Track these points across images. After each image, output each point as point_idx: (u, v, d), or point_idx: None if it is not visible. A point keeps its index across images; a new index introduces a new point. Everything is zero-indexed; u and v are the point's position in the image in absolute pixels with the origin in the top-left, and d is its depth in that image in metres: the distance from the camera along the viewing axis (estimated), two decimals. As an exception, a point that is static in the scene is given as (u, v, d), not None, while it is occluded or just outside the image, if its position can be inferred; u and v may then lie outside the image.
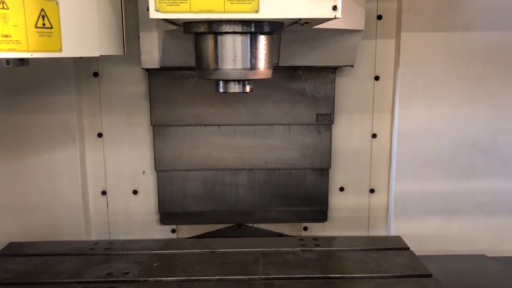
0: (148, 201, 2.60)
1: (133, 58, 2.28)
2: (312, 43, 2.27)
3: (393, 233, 2.53)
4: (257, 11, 1.50)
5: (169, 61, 2.26)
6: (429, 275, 1.95)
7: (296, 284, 1.87)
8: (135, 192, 2.60)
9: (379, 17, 2.44)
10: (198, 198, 2.57)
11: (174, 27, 1.97)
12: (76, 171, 2.46)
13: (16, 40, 1.39)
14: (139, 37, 2.19)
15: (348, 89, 2.51)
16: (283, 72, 2.42)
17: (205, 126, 2.49)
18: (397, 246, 2.24)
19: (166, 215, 2.60)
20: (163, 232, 2.64)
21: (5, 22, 1.36)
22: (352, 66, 2.41)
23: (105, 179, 2.57)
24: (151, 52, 2.20)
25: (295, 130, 2.52)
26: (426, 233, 2.52)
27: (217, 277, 1.92)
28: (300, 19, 1.59)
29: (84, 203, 2.52)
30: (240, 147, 2.52)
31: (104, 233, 2.62)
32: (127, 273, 1.95)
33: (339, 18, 1.53)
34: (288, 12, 1.51)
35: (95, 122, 2.51)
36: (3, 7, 1.36)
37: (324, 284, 1.87)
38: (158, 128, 2.49)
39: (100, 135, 2.52)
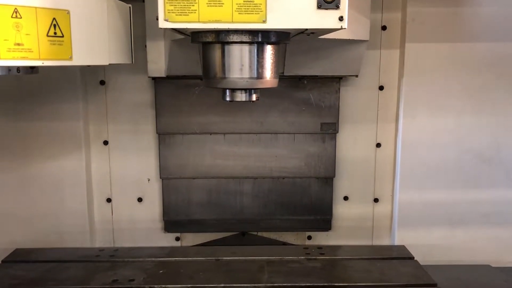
0: (152, 208, 2.61)
1: (139, 67, 2.30)
2: (317, 53, 2.28)
3: (397, 242, 2.53)
4: (264, 21, 1.52)
5: (175, 70, 2.28)
6: (434, 285, 1.95)
7: (301, 292, 1.88)
8: (139, 199, 2.60)
9: (384, 28, 2.46)
10: (202, 206, 2.58)
11: (181, 36, 1.99)
12: (81, 179, 2.47)
13: (28, 49, 1.41)
14: (145, 46, 2.21)
15: (353, 99, 2.52)
16: (288, 81, 2.44)
17: (210, 134, 2.50)
18: (401, 255, 2.25)
19: (171, 223, 2.60)
20: (167, 240, 2.65)
21: (18, 30, 1.39)
22: (356, 76, 2.43)
23: (110, 186, 2.58)
24: (158, 61, 2.22)
25: (299, 139, 2.53)
26: (431, 243, 2.52)
27: (222, 285, 1.93)
28: (307, 29, 1.61)
29: (89, 210, 2.53)
30: (245, 155, 2.53)
31: (109, 241, 2.63)
32: (133, 280, 1.96)
33: (345, 28, 1.55)
34: (295, 23, 1.53)
35: (101, 130, 2.52)
36: (16, 16, 1.38)
37: (329, 292, 1.88)
38: (163, 136, 2.50)
39: (106, 142, 2.54)
